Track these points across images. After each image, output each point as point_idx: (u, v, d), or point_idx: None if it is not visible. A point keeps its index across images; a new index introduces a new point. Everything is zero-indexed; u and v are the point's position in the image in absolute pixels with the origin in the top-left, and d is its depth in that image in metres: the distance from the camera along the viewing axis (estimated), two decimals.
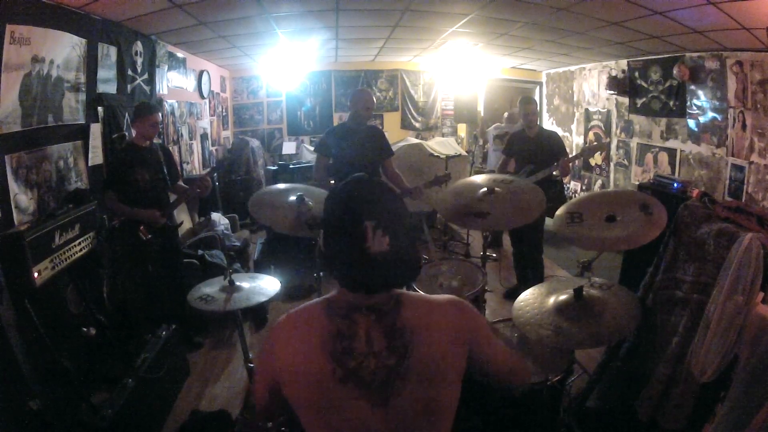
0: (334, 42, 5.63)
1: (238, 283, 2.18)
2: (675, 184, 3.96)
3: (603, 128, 6.24)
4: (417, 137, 7.63)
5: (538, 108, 4.42)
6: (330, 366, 0.97)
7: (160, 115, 3.30)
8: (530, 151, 3.69)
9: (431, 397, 1.00)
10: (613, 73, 5.74)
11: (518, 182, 2.66)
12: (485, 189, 2.49)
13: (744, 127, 3.96)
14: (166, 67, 4.63)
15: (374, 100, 3.48)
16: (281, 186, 2.70)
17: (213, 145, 6.50)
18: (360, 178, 1.06)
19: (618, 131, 5.91)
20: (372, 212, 0.97)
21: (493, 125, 6.36)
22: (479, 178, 2.73)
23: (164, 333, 2.78)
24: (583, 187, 6.76)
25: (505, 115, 6.29)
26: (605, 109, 6.14)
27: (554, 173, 3.72)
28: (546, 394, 1.79)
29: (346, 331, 0.99)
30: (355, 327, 0.99)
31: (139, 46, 3.92)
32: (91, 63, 3.18)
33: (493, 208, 2.41)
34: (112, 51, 3.47)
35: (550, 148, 3.65)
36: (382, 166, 3.44)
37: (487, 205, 2.42)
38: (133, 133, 3.25)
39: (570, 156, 3.75)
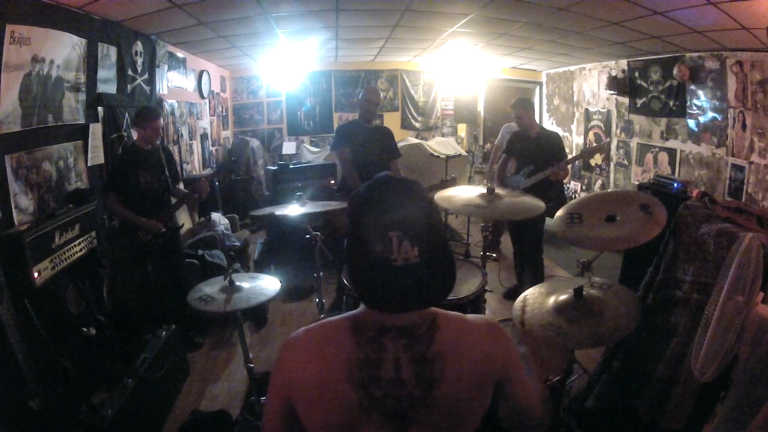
0: (334, 42, 5.62)
1: (238, 283, 2.18)
2: (675, 184, 3.96)
3: (603, 128, 6.24)
4: (417, 137, 7.64)
5: (537, 108, 4.41)
6: (355, 395, 0.88)
7: (162, 120, 3.31)
8: (531, 151, 3.68)
9: (454, 429, 0.94)
10: (613, 73, 5.73)
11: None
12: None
13: (744, 127, 3.96)
14: (166, 67, 4.63)
15: (380, 95, 3.57)
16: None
17: (213, 145, 6.50)
18: (385, 179, 0.93)
19: (618, 131, 5.91)
20: (398, 220, 0.84)
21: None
22: None
23: (164, 333, 2.78)
24: (583, 187, 6.76)
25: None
26: (605, 109, 6.14)
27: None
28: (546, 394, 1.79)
29: (373, 358, 0.89)
30: (382, 353, 0.89)
31: (139, 46, 3.92)
32: (91, 63, 3.18)
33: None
34: (112, 51, 3.47)
35: (551, 149, 3.65)
36: (388, 167, 3.46)
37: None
38: (135, 135, 3.25)
39: (568, 158, 3.74)
